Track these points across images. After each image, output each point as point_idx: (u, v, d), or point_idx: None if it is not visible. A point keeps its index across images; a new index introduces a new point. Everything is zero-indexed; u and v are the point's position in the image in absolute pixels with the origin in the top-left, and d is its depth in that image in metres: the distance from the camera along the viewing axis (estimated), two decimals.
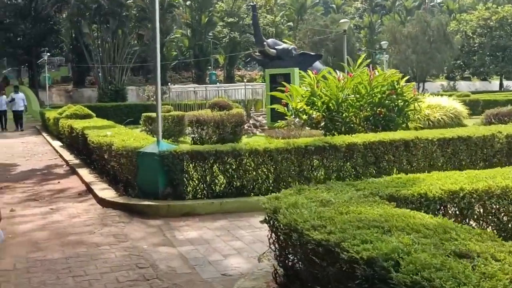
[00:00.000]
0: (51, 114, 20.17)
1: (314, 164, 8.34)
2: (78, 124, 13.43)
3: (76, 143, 13.76)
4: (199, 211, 7.48)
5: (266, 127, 20.16)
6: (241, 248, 5.89)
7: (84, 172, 10.78)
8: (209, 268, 5.27)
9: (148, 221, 7.19)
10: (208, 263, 5.41)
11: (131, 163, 8.22)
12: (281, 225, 3.93)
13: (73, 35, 37.97)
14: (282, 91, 16.77)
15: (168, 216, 7.38)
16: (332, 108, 13.69)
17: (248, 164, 7.95)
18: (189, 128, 20.49)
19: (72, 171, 11.58)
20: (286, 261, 4.20)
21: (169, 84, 24.14)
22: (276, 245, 4.28)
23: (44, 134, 21.04)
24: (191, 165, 7.77)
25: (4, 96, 24.50)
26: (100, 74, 35.16)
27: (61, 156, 14.29)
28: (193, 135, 14.70)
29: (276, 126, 14.94)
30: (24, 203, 8.47)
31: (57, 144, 17.00)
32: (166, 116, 18.03)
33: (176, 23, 39.73)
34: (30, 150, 16.60)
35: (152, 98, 36.13)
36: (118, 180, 9.09)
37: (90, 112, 16.69)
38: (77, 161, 12.55)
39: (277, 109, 15.35)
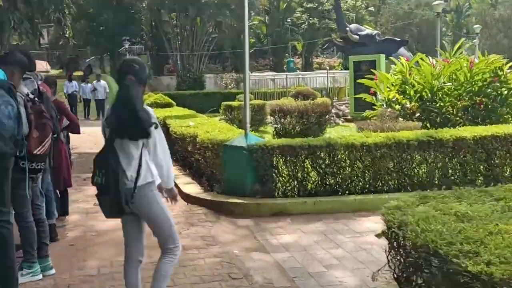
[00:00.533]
0: None
1: (416, 160, 7.52)
2: (159, 113, 13.14)
3: None
4: (290, 210, 6.86)
5: (349, 117, 19.30)
6: (343, 257, 5.22)
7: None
8: (310, 281, 4.64)
9: (237, 220, 6.66)
10: (308, 275, 4.78)
11: (216, 157, 7.70)
12: (410, 244, 3.23)
13: (153, 24, 38.32)
14: (370, 79, 15.85)
15: (258, 215, 6.81)
16: (426, 97, 12.69)
17: (343, 159, 7.24)
18: (270, 117, 20.02)
19: None
20: None
21: (248, 71, 23.80)
22: (400, 267, 3.57)
23: None
24: (281, 160, 7.16)
25: (89, 85, 24.64)
26: (178, 62, 35.29)
27: None
28: (276, 125, 14.09)
29: (364, 116, 14.11)
30: None
31: None
32: (241, 104, 17.60)
33: (254, 10, 39.25)
34: None
35: (230, 86, 35.96)
36: (201, 173, 8.64)
37: (170, 100, 16.48)
38: None
39: (364, 98, 14.50)
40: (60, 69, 41.76)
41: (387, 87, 12.98)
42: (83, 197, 8.11)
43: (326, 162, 7.20)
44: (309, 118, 13.60)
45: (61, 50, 46.26)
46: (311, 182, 7.23)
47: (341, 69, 35.10)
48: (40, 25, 13.63)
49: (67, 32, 14.72)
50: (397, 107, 11.52)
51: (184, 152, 9.74)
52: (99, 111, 24.20)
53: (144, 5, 38.36)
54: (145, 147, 3.70)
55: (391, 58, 16.51)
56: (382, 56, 19.19)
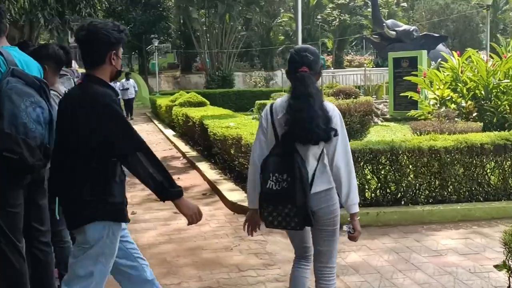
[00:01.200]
0: (163, 102, 19.67)
1: (489, 166, 6.72)
2: (194, 113, 12.53)
3: (192, 133, 12.90)
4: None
5: (388, 116, 18.45)
6: (427, 284, 4.46)
7: (204, 167, 9.78)
8: None
9: None
10: None
11: None
12: None
13: (181, 21, 37.86)
14: (413, 75, 15.03)
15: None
16: (479, 95, 11.84)
17: (407, 165, 6.47)
18: None
19: (191, 164, 10.65)
20: None
21: (281, 70, 22.81)
22: None
23: (155, 122, 20.62)
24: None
25: (118, 83, 23.78)
26: (207, 60, 34.74)
27: (176, 146, 13.51)
28: None
29: (410, 116, 13.30)
30: (145, 204, 7.53)
31: (169, 133, 16.34)
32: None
33: (284, 6, 38.51)
34: (144, 139, 16.01)
35: (259, 85, 35.29)
36: (245, 178, 7.95)
37: (203, 99, 15.84)
38: (194, 153, 11.64)
39: (411, 96, 13.70)
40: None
41: (436, 85, 12.16)
42: None
43: (387, 168, 6.44)
44: (352, 118, 12.82)
45: None
46: (372, 190, 6.49)
47: (372, 67, 34.18)
48: (71, 22, 13.01)
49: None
50: (452, 106, 10.68)
51: (225, 154, 9.07)
52: (128, 111, 23.38)
53: (172, 2, 37.91)
54: (324, 153, 3.15)
55: (453, 52, 15.52)
56: (424, 52, 18.32)
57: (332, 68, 34.56)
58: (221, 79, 33.47)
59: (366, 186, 6.44)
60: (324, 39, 40.81)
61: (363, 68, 21.21)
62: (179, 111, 14.62)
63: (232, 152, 8.28)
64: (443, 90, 10.99)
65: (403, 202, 6.53)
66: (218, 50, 33.84)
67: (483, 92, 11.51)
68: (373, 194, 6.49)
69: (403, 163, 6.41)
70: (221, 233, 6.01)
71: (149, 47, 37.25)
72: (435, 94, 12.09)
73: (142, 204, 7.53)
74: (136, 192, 8.24)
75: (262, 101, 17.44)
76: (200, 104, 15.44)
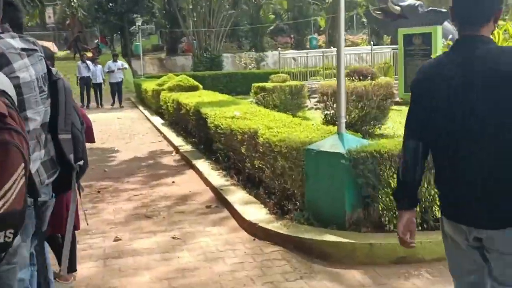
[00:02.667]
0: (149, 86, 17.71)
1: None
2: (187, 99, 10.66)
3: (184, 123, 11.05)
4: (422, 255, 4.36)
5: (397, 99, 16.71)
6: None
7: (204, 166, 7.95)
8: None
9: (341, 273, 4.18)
10: None
11: (294, 166, 5.18)
12: None
13: None
14: (425, 54, 13.28)
15: (371, 262, 4.33)
16: None
17: None
18: (309, 101, 17.48)
19: (186, 162, 8.81)
20: None
21: (279, 48, 21.01)
22: None
23: (141, 108, 18.68)
24: (393, 174, 4.67)
25: (100, 66, 21.35)
26: (194, 41, 32.62)
27: (165, 138, 11.65)
28: (326, 111, 11.55)
29: None
30: (133, 223, 5.68)
31: (157, 121, 14.45)
32: (283, 86, 15.08)
33: None
34: (128, 128, 14.14)
35: (250, 66, 33.33)
36: (263, 186, 6.18)
37: (196, 83, 13.96)
38: (188, 147, 9.79)
39: None
40: (68, 50, 39.24)
41: None
42: (100, 224, 5.63)
43: None
44: (370, 103, 11.04)
45: (68, 30, 43.91)
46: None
47: (365, 46, 32.30)
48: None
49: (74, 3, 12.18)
50: None
51: (232, 153, 7.25)
52: (115, 96, 21.15)
53: None
54: None
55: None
56: (439, 28, 16.56)
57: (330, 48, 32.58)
58: (210, 61, 31.44)
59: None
60: (316, 17, 38.85)
61: (370, 47, 19.46)
62: (169, 96, 12.74)
63: (243, 151, 6.45)
64: None
65: None
66: (206, 30, 31.74)
67: None
68: None
69: None
70: (241, 275, 4.21)
71: (132, 28, 35.01)
72: None
73: (128, 223, 5.69)
74: (119, 204, 6.40)
75: (261, 84, 15.57)
76: (192, 88, 13.56)
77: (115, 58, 21.97)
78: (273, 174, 5.62)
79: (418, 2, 22.23)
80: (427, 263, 4.28)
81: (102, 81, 21.11)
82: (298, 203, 5.32)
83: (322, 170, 4.88)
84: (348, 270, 4.24)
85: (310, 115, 15.39)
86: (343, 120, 5.02)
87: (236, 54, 36.10)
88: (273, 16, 39.76)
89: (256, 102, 15.60)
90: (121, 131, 13.45)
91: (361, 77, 11.74)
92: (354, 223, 4.75)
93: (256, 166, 6.09)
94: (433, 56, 15.34)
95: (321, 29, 39.21)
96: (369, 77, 11.65)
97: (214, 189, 6.73)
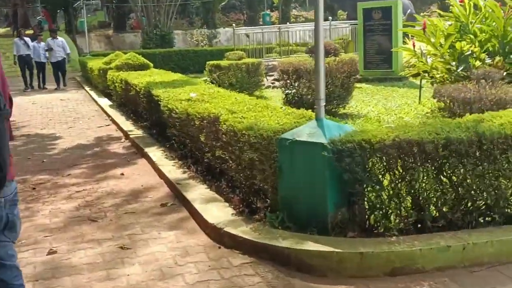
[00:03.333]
0: (95, 64, 16.49)
1: None
2: (137, 79, 9.68)
3: (134, 105, 10.08)
4: (422, 264, 3.67)
5: (357, 76, 16.12)
6: None
7: (157, 155, 7.07)
8: None
9: None
10: None
11: (265, 159, 4.38)
12: None
13: None
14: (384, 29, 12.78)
15: (363, 275, 3.62)
16: (492, 49, 9.60)
17: (502, 163, 4.03)
18: (267, 79, 16.67)
19: (138, 150, 7.88)
20: None
21: (233, 24, 19.99)
22: None
23: (87, 89, 17.44)
24: (395, 168, 3.92)
25: (43, 44, 19.42)
26: (144, 17, 31.15)
27: (114, 121, 10.64)
28: (288, 90, 10.77)
29: (404, 75, 11.00)
30: (73, 228, 4.76)
31: (105, 102, 13.37)
32: (239, 64, 14.24)
33: None
34: (73, 111, 13.00)
35: (202, 44, 32.20)
36: (227, 180, 5.38)
37: (146, 61, 12.92)
38: (139, 133, 8.86)
39: (405, 54, 11.40)
40: (8, 27, 37.01)
41: (441, 36, 9.82)
42: (32, 231, 4.69)
43: (469, 169, 3.97)
44: (334, 81, 10.35)
45: (8, 6, 41.43)
46: (448, 207, 4.03)
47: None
48: None
49: None
50: (477, 63, 8.34)
51: (189, 140, 6.41)
52: (58, 78, 19.25)
53: None
54: None
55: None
56: (399, 1, 15.96)
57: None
58: (160, 38, 30.10)
59: (443, 201, 3.98)
60: None
61: (327, 22, 18.73)
62: (116, 76, 11.69)
63: (202, 139, 5.60)
64: (464, 44, 8.64)
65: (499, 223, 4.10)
66: (155, 5, 30.32)
67: (500, 46, 9.27)
68: (449, 214, 4.03)
69: (500, 161, 3.96)
70: None
71: (76, 3, 33.23)
72: (437, 49, 9.76)
73: (67, 228, 4.78)
74: (57, 204, 5.47)
75: (215, 62, 14.65)
76: (142, 67, 12.53)
77: (53, 34, 20.08)
78: (239, 166, 4.81)
79: None
80: (428, 274, 3.60)
81: (45, 60, 19.33)
82: (268, 200, 4.55)
83: (299, 164, 4.11)
84: (335, 286, 3.51)
85: (268, 94, 14.64)
86: (322, 104, 4.25)
87: (187, 31, 34.85)
88: None
89: (211, 81, 14.74)
90: (64, 114, 12.32)
91: (326, 54, 10.98)
92: (338, 225, 4.01)
93: (218, 157, 5.27)
94: (393, 31, 14.74)
95: (274, 5, 38.26)
96: (331, 54, 10.93)
97: (169, 182, 5.87)
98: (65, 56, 19.33)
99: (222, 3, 37.60)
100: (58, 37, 19.94)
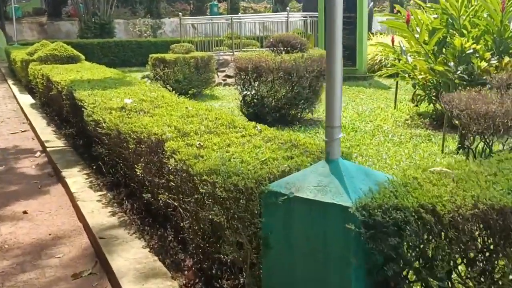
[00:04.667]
0: (18, 55, 14.23)
1: None
2: (60, 76, 7.73)
3: (58, 106, 8.15)
4: None
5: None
6: None
7: (78, 180, 5.20)
8: None
9: None
10: None
11: (240, 226, 2.65)
12: None
13: None
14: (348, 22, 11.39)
15: None
16: (485, 47, 8.21)
17: None
18: (218, 75, 14.90)
19: (54, 171, 5.96)
20: None
21: (180, 14, 17.99)
22: None
23: (10, 82, 15.16)
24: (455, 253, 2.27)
25: None
26: (81, 4, 28.61)
27: (32, 126, 8.63)
28: (246, 92, 9.02)
29: (381, 75, 9.56)
30: None
31: (26, 100, 11.27)
32: (187, 58, 12.43)
33: None
34: None
35: (145, 34, 29.99)
36: (161, 218, 3.62)
37: (76, 52, 10.90)
38: (60, 144, 6.95)
39: (383, 50, 9.98)
40: None
41: (426, 32, 8.36)
42: None
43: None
44: (301, 81, 8.72)
45: None
46: None
47: (269, 13, 29.92)
48: None
49: None
50: (482, 64, 6.83)
51: (122, 165, 4.60)
52: None
53: None
54: None
55: None
56: None
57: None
58: (99, 27, 27.72)
59: None
60: None
61: (286, 13, 17.00)
62: (38, 70, 9.66)
63: (138, 171, 3.80)
64: (466, 41, 7.14)
65: None
66: None
67: (497, 42, 7.87)
68: None
69: None
70: None
71: None
72: (421, 45, 8.28)
73: None
74: None
75: (159, 55, 12.76)
76: (71, 60, 10.54)
77: None
78: (197, 227, 3.06)
79: None
80: None
81: None
82: (243, 279, 2.84)
83: (300, 238, 2.41)
84: None
85: (220, 93, 12.91)
86: (338, 136, 2.55)
87: (129, 21, 32.49)
88: None
89: (154, 77, 12.90)
90: None
91: (288, 49, 9.34)
92: None
93: (162, 201, 3.50)
94: (358, 25, 13.25)
95: None
96: (297, 49, 9.28)
97: (90, 231, 4.05)
98: None
99: None
100: None
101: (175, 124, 3.77)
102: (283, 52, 9.24)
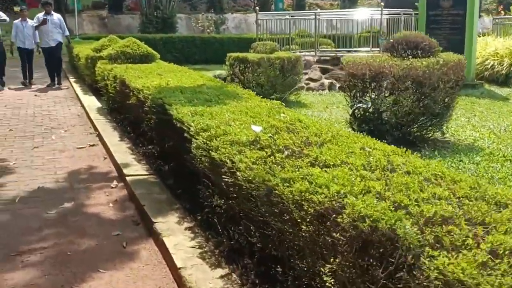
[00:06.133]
0: (82, 50, 12.89)
1: None
2: (141, 81, 6.17)
3: (137, 118, 6.62)
4: None
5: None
6: None
7: (181, 244, 3.56)
8: None
9: None
10: None
11: None
12: None
13: None
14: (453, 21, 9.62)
15: None
16: None
17: None
18: (307, 81, 13.23)
19: (140, 217, 4.37)
20: None
21: (256, 8, 16.31)
22: None
23: (71, 80, 13.87)
24: None
25: (30, 23, 13.43)
26: None
27: (101, 139, 7.12)
28: (361, 105, 7.24)
29: None
30: None
31: (92, 103, 9.88)
32: (271, 59, 10.81)
33: None
34: (47, 114, 9.45)
35: (208, 30, 28.58)
36: None
37: (151, 50, 9.39)
38: (141, 170, 5.37)
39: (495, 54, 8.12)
40: None
41: None
42: None
43: None
44: (436, 94, 6.90)
45: None
46: None
47: (331, 10, 27.83)
48: None
49: None
50: None
51: (255, 229, 2.94)
52: (52, 70, 13.49)
53: None
54: None
55: None
56: None
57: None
58: (161, 21, 26.48)
59: None
60: None
61: (378, 9, 15.01)
62: (108, 70, 8.19)
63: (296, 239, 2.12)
64: None
65: None
66: None
67: None
68: None
69: None
70: None
71: None
72: None
73: None
74: None
75: (239, 54, 11.15)
76: (145, 59, 9.06)
77: (47, 8, 13.48)
78: None
79: None
80: None
81: (33, 48, 13.67)
82: None
83: None
84: None
85: (306, 100, 11.20)
86: None
87: (191, 16, 31.15)
88: None
89: (230, 78, 11.36)
90: (33, 121, 8.77)
91: (414, 52, 7.51)
92: None
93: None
94: (467, 21, 11.21)
95: None
96: (427, 52, 7.44)
97: None
98: (61, 40, 13.60)
99: None
100: (52, 12, 13.64)
101: (377, 188, 2.07)
102: (410, 56, 7.41)
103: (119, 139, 6.84)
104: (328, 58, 13.98)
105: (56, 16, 13.70)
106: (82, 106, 9.96)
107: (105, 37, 12.27)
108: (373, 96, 7.19)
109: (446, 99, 7.09)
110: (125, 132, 7.26)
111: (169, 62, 8.86)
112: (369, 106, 7.22)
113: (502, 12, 15.53)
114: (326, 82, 13.22)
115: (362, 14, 16.01)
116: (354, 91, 7.45)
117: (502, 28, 15.20)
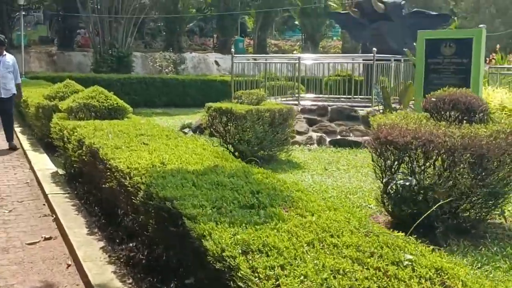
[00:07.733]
0: (32, 95, 10.88)
1: None
2: (122, 156, 4.36)
3: (113, 201, 4.77)
4: None
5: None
6: None
7: None
8: None
9: None
10: None
11: None
12: None
13: None
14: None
15: None
16: None
17: None
18: (302, 138, 11.67)
19: None
20: None
21: (232, 51, 14.75)
22: None
23: (17, 130, 11.78)
24: None
25: None
26: (97, 36, 25.38)
27: (62, 230, 5.20)
28: (402, 181, 5.61)
29: None
30: None
31: (44, 165, 7.91)
32: (260, 111, 9.24)
33: None
34: None
35: (166, 70, 26.83)
36: None
37: (122, 102, 7.56)
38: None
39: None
40: None
41: None
42: None
43: None
44: (498, 169, 5.40)
45: None
46: None
47: (297, 53, 26.59)
48: None
49: None
50: None
51: None
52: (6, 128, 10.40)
53: None
54: None
55: None
56: (484, 31, 11.32)
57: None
58: (116, 60, 24.59)
59: None
60: (245, 15, 32.92)
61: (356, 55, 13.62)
62: (69, 130, 6.30)
63: None
64: None
65: None
66: (112, 18, 24.80)
67: None
68: None
69: None
70: None
71: (16, 13, 27.39)
72: None
73: None
74: None
75: (218, 105, 9.44)
76: (114, 113, 7.21)
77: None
78: None
79: (402, 1, 17.06)
80: None
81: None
82: None
83: None
84: None
85: (297, 157, 9.60)
86: None
87: (149, 54, 29.36)
88: (194, 11, 33.34)
89: (210, 132, 9.71)
90: None
91: (462, 115, 5.99)
92: None
93: None
94: (472, 71, 10.00)
95: (249, 30, 33.36)
96: (480, 114, 5.94)
97: None
98: (15, 91, 10.27)
99: (190, 24, 32.38)
100: (5, 52, 10.40)
101: None
102: (455, 121, 5.90)
103: (87, 231, 4.96)
104: (314, 107, 12.49)
105: (10, 57, 10.41)
106: (32, 168, 7.97)
107: (56, 76, 10.34)
108: (416, 170, 5.61)
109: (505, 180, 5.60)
110: (94, 216, 5.39)
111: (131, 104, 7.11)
112: (414, 183, 5.62)
113: (494, 60, 14.52)
114: (315, 135, 11.66)
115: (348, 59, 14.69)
116: (389, 162, 5.86)
117: (500, 77, 14.19)
